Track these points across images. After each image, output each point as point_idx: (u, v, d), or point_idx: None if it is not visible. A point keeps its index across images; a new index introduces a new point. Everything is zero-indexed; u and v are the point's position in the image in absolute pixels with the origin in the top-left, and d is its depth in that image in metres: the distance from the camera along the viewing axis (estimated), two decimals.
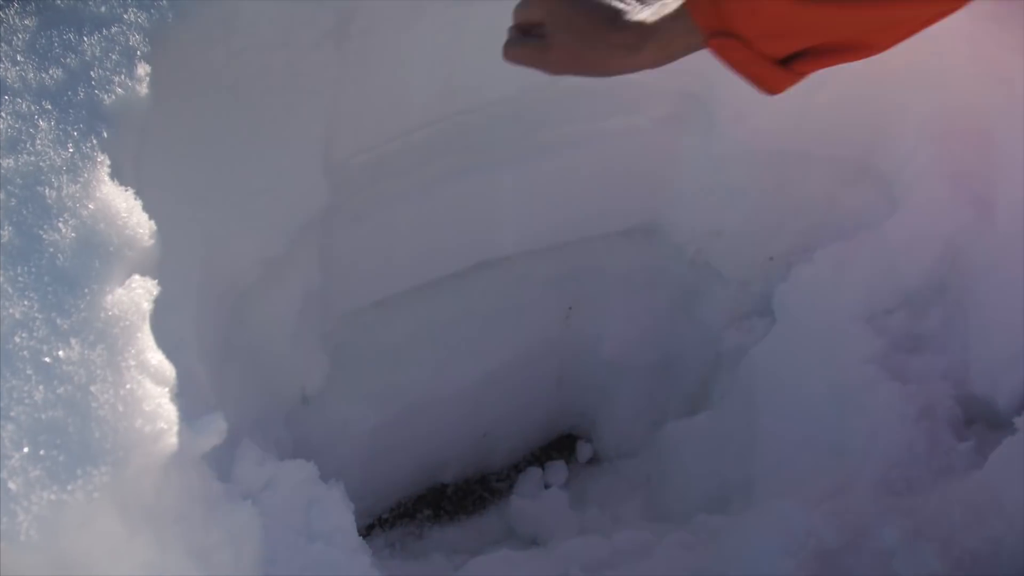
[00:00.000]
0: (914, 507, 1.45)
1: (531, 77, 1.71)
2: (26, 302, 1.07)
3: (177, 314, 1.26)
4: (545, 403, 2.34)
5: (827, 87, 1.72)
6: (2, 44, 1.23)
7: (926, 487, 1.50)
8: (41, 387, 1.03)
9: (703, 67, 1.70)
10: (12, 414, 1.00)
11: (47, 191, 1.14)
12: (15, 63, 1.21)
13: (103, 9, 1.27)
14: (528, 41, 1.39)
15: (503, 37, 1.59)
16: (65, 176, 1.15)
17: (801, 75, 1.29)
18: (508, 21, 1.57)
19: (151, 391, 1.06)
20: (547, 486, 2.34)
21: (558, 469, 2.37)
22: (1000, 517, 1.37)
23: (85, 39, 1.24)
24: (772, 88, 1.29)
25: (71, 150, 1.16)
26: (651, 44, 1.35)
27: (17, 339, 1.04)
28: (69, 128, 1.18)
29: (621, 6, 1.33)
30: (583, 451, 2.43)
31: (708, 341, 2.13)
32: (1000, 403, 1.63)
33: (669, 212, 2.05)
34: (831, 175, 1.84)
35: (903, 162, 1.79)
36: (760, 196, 1.84)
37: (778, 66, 1.26)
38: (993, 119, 1.65)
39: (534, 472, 2.36)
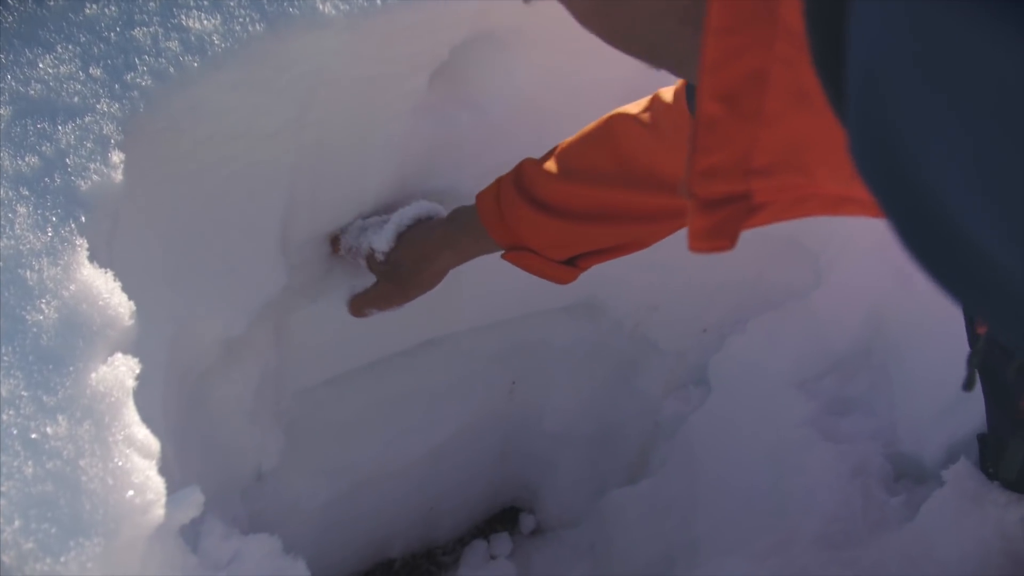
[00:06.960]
0: (854, 559, 1.53)
1: (476, 166, 1.79)
2: (12, 380, 1.09)
3: (146, 393, 1.28)
4: (489, 476, 2.37)
5: None
6: None
7: (863, 540, 1.58)
8: (30, 462, 1.05)
9: None
10: (3, 489, 1.02)
11: (28, 273, 1.17)
12: None
13: (76, 100, 1.31)
14: (364, 292, 1.75)
15: (455, 131, 1.69)
16: (45, 259, 1.18)
17: (584, 269, 1.57)
18: (454, 123, 1.68)
19: (139, 464, 1.09)
20: (493, 557, 2.37)
21: (503, 541, 2.40)
22: (934, 563, 1.46)
23: (60, 128, 1.28)
24: (562, 281, 1.57)
25: (50, 234, 1.20)
26: (446, 252, 1.63)
27: (4, 416, 1.07)
28: (47, 213, 1.21)
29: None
30: (526, 522, 2.46)
31: (647, 411, 2.19)
32: (926, 459, 1.72)
33: (608, 288, 2.12)
34: (759, 251, 1.94)
35: (827, 238, 1.90)
36: (693, 272, 1.93)
37: (564, 265, 1.53)
38: None
39: (479, 545, 2.39)
